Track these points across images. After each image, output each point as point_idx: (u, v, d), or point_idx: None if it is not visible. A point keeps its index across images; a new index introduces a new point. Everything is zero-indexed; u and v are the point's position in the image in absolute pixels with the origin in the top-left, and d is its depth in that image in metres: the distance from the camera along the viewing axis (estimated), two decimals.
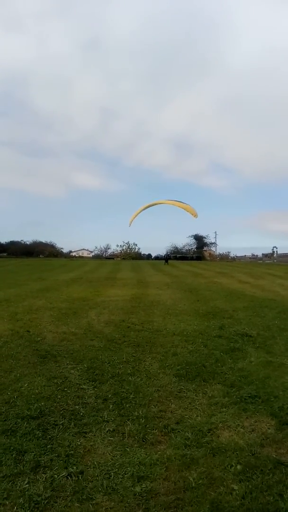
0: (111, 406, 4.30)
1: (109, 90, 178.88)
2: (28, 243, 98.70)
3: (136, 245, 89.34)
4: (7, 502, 2.65)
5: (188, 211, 20.48)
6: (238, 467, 3.12)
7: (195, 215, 20.80)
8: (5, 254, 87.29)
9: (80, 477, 2.95)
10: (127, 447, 3.42)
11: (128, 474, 3.01)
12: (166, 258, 57.83)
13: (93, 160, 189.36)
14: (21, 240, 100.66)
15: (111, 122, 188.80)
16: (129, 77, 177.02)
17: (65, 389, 4.77)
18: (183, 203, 20.52)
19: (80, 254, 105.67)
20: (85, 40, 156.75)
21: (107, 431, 3.71)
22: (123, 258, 72.54)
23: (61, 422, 3.86)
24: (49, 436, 3.57)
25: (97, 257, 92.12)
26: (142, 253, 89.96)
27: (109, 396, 4.58)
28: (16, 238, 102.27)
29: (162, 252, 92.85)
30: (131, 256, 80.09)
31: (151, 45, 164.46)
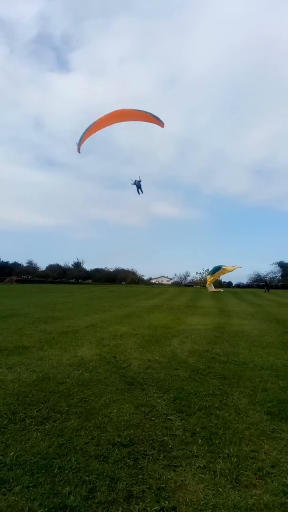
0: (200, 440, 4.17)
1: (187, 122, 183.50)
2: (111, 270, 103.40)
3: None
4: None
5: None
6: None
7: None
8: (90, 281, 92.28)
9: None
10: (219, 487, 3.26)
11: None
12: (267, 285, 54.56)
13: (172, 189, 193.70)
14: (105, 268, 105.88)
15: (189, 153, 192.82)
16: (207, 109, 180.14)
17: (153, 418, 4.76)
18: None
19: (160, 281, 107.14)
20: (163, 79, 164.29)
21: (197, 467, 3.59)
22: (203, 286, 71.47)
23: (150, 453, 3.84)
24: (140, 466, 3.57)
25: (176, 284, 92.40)
26: (222, 281, 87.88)
27: (197, 429, 4.45)
28: (100, 265, 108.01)
29: (243, 280, 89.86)
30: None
31: (228, 76, 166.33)
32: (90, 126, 11.91)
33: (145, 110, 11.34)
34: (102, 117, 11.65)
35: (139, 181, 14.43)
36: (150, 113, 11.60)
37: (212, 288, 38.15)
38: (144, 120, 11.71)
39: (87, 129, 11.94)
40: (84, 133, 11.96)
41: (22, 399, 5.31)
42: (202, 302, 28.37)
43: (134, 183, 14.45)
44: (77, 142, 12.08)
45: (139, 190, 14.47)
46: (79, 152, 12.21)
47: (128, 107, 11.61)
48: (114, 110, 11.43)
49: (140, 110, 11.49)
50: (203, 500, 3.07)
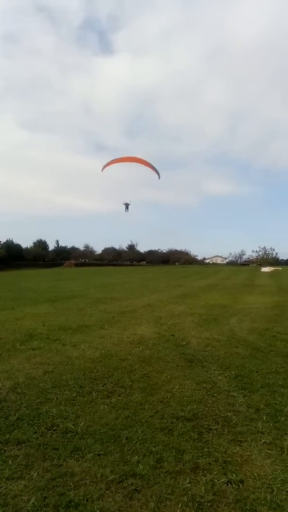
0: (264, 417, 4.12)
1: (235, 93, 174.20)
2: (164, 251, 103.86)
3: (273, 250, 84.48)
4: (172, 498, 2.77)
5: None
6: None
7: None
8: (144, 262, 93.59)
9: (240, 486, 2.90)
10: (287, 463, 3.22)
11: None
12: None
13: (223, 165, 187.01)
14: (158, 249, 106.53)
15: (239, 125, 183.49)
16: (256, 78, 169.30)
17: (215, 394, 4.78)
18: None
19: (214, 261, 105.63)
20: (209, 50, 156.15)
21: (263, 443, 3.56)
22: (259, 264, 69.29)
23: (214, 427, 3.88)
24: (205, 440, 3.62)
25: (232, 263, 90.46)
26: (280, 258, 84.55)
27: (261, 406, 4.40)
28: (154, 247, 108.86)
29: None
30: (268, 262, 75.81)
31: (279, 41, 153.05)
32: (116, 158, 17.27)
33: (153, 164, 17.16)
34: (125, 157, 17.39)
35: (129, 204, 19.47)
36: (154, 167, 17.17)
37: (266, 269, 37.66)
38: (149, 167, 16.99)
39: (113, 160, 17.12)
40: (110, 161, 17.11)
41: (88, 374, 5.58)
42: (260, 280, 27.58)
43: (125, 204, 19.41)
44: (103, 164, 17.13)
45: (126, 209, 19.49)
46: (102, 171, 17.26)
47: (145, 158, 17.37)
48: (134, 156, 17.40)
49: (150, 163, 17.08)
50: (271, 475, 3.05)
